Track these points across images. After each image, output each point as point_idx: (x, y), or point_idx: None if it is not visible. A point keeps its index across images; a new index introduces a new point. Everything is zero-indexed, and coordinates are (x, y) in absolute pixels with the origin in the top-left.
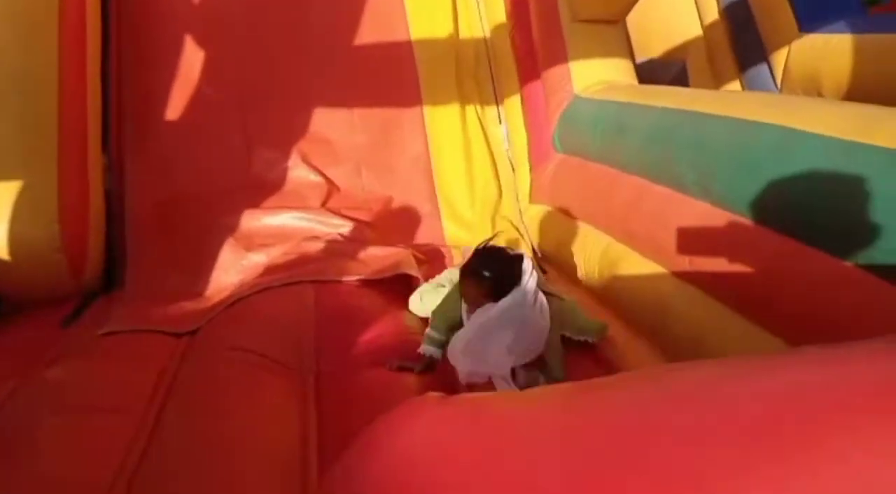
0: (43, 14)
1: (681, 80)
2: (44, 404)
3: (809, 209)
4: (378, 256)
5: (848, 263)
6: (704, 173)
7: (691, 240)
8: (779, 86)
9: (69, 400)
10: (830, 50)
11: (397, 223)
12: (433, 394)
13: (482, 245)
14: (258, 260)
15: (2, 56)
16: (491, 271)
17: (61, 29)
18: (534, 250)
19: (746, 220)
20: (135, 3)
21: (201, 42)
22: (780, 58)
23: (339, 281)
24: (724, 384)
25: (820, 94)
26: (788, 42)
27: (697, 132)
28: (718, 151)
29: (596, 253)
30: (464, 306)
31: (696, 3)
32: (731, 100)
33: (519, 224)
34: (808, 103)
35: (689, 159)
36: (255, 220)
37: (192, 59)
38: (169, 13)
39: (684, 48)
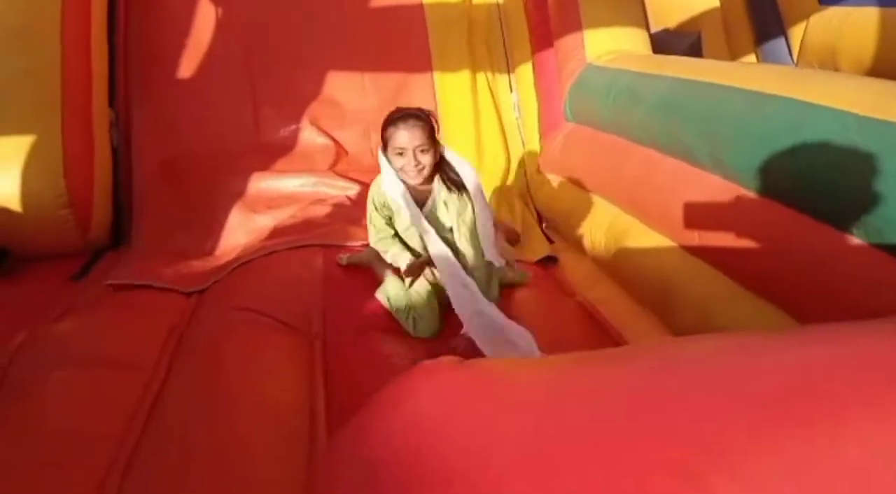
0: None
1: (695, 50)
2: (53, 357)
3: (823, 184)
4: None
5: (861, 240)
6: (717, 146)
7: (701, 214)
8: (795, 59)
9: (79, 354)
10: (851, 23)
11: None
12: (448, 358)
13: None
14: (265, 222)
15: (4, 9)
16: (422, 113)
17: None
18: (539, 218)
19: (758, 195)
20: None
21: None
22: (797, 31)
23: (346, 246)
24: (739, 357)
25: (837, 69)
26: (807, 15)
27: (710, 104)
28: (731, 124)
29: (604, 223)
30: (399, 191)
31: None
32: (745, 72)
33: (525, 192)
34: (825, 77)
35: (701, 131)
36: (262, 182)
37: (202, 16)
38: None
39: (700, 19)
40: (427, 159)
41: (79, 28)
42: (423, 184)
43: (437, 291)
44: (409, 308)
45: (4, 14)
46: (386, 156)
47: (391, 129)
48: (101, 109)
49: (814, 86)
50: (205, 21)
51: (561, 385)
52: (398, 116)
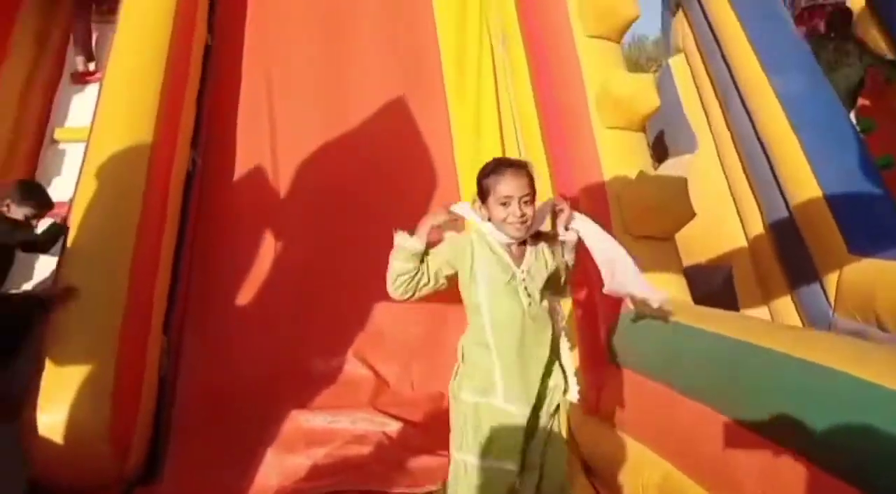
0: (127, 200)
1: (727, 286)
2: None
3: (883, 466)
4: (424, 467)
5: None
6: (771, 413)
7: (759, 482)
8: (832, 306)
9: None
10: (886, 277)
11: (447, 425)
12: None
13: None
14: (300, 462)
15: (82, 235)
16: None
17: (143, 216)
18: (583, 463)
19: (816, 468)
20: (215, 199)
21: (271, 235)
22: (832, 278)
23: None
24: None
25: (878, 320)
26: (839, 263)
27: (763, 369)
28: (785, 393)
29: (654, 479)
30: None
31: (738, 212)
32: (790, 337)
33: (568, 434)
34: (883, 353)
35: (754, 395)
36: (301, 418)
37: (262, 254)
38: (243, 212)
39: (729, 254)
40: (529, 212)
41: (149, 258)
42: (519, 246)
43: None
44: None
45: (82, 240)
46: (484, 208)
47: (494, 177)
48: (155, 338)
49: (875, 364)
50: (264, 258)
51: None
52: (502, 163)
